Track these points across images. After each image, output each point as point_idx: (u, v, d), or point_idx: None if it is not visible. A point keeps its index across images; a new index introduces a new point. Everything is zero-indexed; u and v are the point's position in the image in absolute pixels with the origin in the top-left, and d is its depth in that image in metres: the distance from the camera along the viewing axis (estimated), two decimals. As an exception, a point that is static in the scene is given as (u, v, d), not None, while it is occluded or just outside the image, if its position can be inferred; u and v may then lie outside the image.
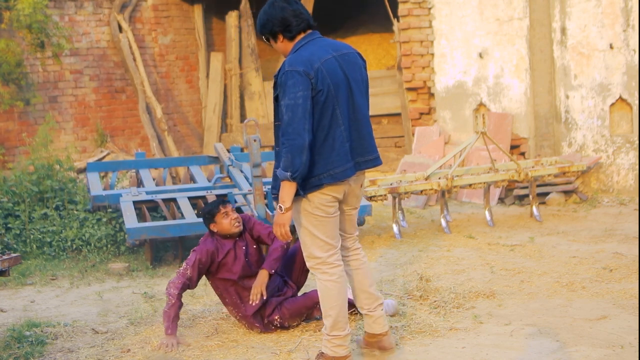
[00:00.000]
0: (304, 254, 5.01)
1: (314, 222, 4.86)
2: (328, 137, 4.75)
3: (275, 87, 4.80)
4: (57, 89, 13.06)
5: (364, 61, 5.05)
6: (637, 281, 6.65)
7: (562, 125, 11.22)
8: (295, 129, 4.59)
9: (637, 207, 10.08)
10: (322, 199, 4.81)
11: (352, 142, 4.86)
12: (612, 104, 10.98)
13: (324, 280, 4.95)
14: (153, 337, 5.90)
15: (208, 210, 5.94)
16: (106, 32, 13.61)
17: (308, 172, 4.70)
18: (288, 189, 4.69)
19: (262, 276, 5.88)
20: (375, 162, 5.06)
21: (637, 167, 10.85)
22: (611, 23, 10.89)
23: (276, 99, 4.80)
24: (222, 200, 6.23)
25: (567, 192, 10.65)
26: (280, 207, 4.73)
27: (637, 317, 5.72)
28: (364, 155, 4.96)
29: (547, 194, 10.61)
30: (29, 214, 9.01)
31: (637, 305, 6.00)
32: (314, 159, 4.72)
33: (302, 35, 4.85)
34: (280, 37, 4.85)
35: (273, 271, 5.91)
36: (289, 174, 4.61)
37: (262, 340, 5.82)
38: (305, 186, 4.76)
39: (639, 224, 8.81)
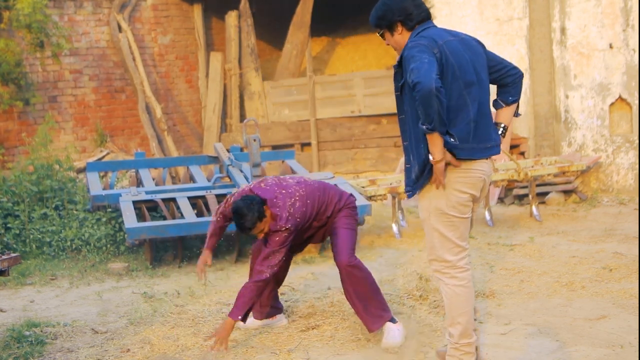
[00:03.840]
0: (430, 257, 4.75)
1: (446, 223, 4.63)
2: (455, 116, 4.50)
3: (396, 77, 4.61)
4: (57, 88, 13.06)
5: (483, 46, 4.78)
6: (637, 281, 6.64)
7: (561, 124, 11.22)
8: (419, 74, 4.28)
9: (637, 206, 10.08)
10: (459, 197, 4.59)
11: (476, 125, 4.56)
12: (612, 104, 10.98)
13: (452, 286, 4.68)
14: (153, 337, 5.89)
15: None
16: (106, 32, 13.61)
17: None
18: (433, 140, 4.38)
19: (227, 326, 5.51)
20: (495, 150, 4.69)
21: (637, 166, 10.85)
22: (611, 23, 10.89)
23: (399, 90, 4.60)
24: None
25: (566, 192, 10.65)
26: (431, 157, 4.44)
27: (637, 317, 5.72)
28: (485, 142, 4.63)
29: (546, 193, 10.61)
30: (28, 213, 9.01)
31: (637, 305, 6.00)
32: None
33: (418, 26, 4.66)
34: (399, 28, 4.66)
35: (239, 318, 5.49)
36: (424, 126, 4.33)
37: (262, 340, 5.82)
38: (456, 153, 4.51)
39: (639, 224, 8.80)
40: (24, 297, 7.46)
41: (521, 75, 4.81)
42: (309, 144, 14.01)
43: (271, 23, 15.72)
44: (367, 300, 5.60)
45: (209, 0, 14.77)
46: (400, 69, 4.58)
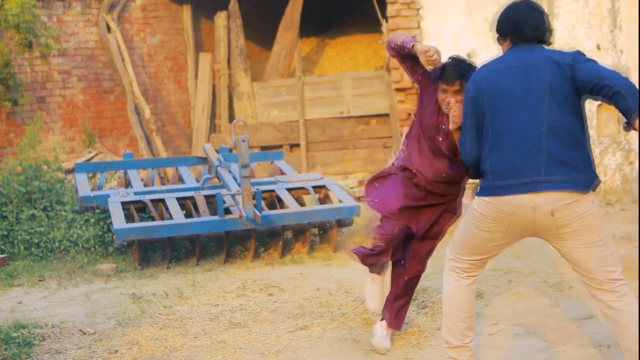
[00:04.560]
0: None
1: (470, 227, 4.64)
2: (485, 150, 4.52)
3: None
4: (45, 89, 13.03)
5: (569, 66, 4.33)
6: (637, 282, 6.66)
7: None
8: (460, 144, 4.63)
9: (624, 207, 10.11)
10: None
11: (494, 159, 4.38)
12: (599, 105, 11.00)
13: (445, 282, 4.75)
14: (141, 338, 5.89)
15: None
16: (94, 32, 13.58)
17: None
18: None
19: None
20: (526, 187, 4.25)
21: (624, 167, 10.89)
22: (598, 24, 10.92)
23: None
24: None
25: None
26: None
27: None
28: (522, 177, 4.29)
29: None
30: (16, 214, 8.98)
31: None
32: None
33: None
34: (507, 42, 4.49)
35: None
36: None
37: (250, 341, 5.82)
38: None
39: (639, 225, 8.80)
40: (11, 298, 7.44)
41: (617, 92, 4.25)
42: (298, 145, 14.01)
43: (260, 24, 15.71)
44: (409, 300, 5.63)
45: (198, 1, 14.76)
46: None
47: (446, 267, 4.70)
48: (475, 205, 4.42)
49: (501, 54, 4.52)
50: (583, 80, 4.25)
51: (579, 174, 4.18)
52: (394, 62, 12.14)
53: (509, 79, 4.32)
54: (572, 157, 4.19)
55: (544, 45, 4.48)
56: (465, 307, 4.62)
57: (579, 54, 4.34)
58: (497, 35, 4.56)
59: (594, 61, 4.31)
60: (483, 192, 4.37)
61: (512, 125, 4.26)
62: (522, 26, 4.41)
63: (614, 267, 4.27)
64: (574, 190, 4.16)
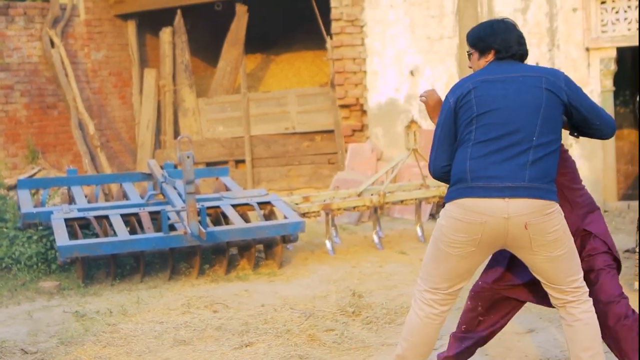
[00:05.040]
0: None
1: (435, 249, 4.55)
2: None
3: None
4: (-13, 104, 12.88)
5: (559, 90, 4.33)
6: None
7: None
8: (430, 160, 4.60)
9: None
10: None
11: (473, 161, 4.30)
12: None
13: (411, 308, 4.55)
14: (84, 357, 5.85)
15: None
16: (38, 47, 13.47)
17: None
18: None
19: None
20: (506, 192, 4.20)
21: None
22: (537, 42, 11.16)
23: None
24: None
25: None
26: None
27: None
28: (483, 180, 4.26)
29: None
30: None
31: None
32: None
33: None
34: (490, 56, 4.46)
35: None
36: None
37: (195, 358, 5.81)
38: None
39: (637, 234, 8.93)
40: (-48, 317, 7.33)
41: (602, 134, 4.46)
42: (243, 161, 14.03)
43: (205, 40, 15.72)
44: None
45: (143, 17, 14.72)
46: None
47: (414, 301, 4.50)
48: (440, 219, 4.35)
49: (453, 69, 4.61)
50: (579, 111, 4.35)
51: (552, 187, 4.21)
52: (339, 78, 12.27)
53: (503, 89, 4.29)
54: (549, 174, 4.22)
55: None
56: (432, 343, 4.52)
57: (567, 78, 4.39)
58: (473, 49, 4.55)
59: (581, 89, 4.42)
60: (449, 197, 4.31)
61: (504, 134, 4.21)
62: (510, 42, 4.43)
63: (577, 274, 4.32)
64: (551, 199, 4.19)
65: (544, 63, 11.10)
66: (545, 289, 4.40)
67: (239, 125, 14.07)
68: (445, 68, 11.58)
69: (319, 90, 13.78)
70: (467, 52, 4.62)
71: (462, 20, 11.43)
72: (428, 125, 11.62)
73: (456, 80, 11.44)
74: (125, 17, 14.61)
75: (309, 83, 14.96)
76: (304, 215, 9.03)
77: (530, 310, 6.46)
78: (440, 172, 4.46)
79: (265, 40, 16.13)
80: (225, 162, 13.86)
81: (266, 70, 15.99)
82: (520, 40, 4.47)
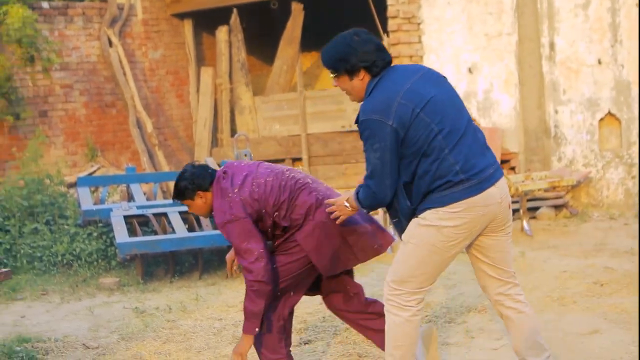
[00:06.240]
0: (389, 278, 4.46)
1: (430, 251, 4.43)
2: (436, 164, 4.30)
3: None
4: (47, 103, 13.04)
5: (443, 76, 4.47)
6: (628, 296, 6.67)
7: (551, 139, 11.27)
8: (376, 183, 4.31)
9: (627, 221, 10.12)
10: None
11: (459, 163, 4.26)
12: (601, 119, 11.04)
13: (393, 315, 4.42)
14: (144, 352, 5.88)
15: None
16: (96, 46, 13.61)
17: None
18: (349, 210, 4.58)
19: (245, 341, 4.81)
20: (493, 177, 4.34)
21: (627, 182, 10.90)
22: (599, 38, 10.96)
23: None
24: None
25: (557, 207, 10.69)
26: (347, 206, 4.54)
27: (629, 332, 5.73)
28: (476, 175, 4.30)
29: (537, 208, 10.65)
30: (19, 228, 8.99)
31: (628, 320, 6.01)
32: None
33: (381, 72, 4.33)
34: (362, 74, 4.30)
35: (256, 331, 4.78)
36: (362, 205, 4.43)
37: (253, 354, 5.80)
38: None
39: (639, 237, 8.80)
40: (14, 312, 7.43)
41: None
42: (300, 159, 14.02)
43: (261, 38, 15.75)
44: None
45: (199, 15, 14.80)
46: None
47: (393, 307, 4.39)
48: (438, 222, 4.22)
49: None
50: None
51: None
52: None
53: (423, 89, 4.23)
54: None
55: None
56: (416, 341, 4.47)
57: None
58: (337, 72, 4.34)
59: None
60: (453, 198, 4.19)
61: (453, 128, 4.21)
62: (383, 52, 4.32)
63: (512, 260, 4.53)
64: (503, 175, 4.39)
65: (607, 59, 10.91)
66: (496, 279, 4.44)
67: (296, 124, 14.07)
68: (503, 65, 11.44)
69: (375, 88, 13.70)
70: (332, 75, 4.39)
71: (522, 16, 11.27)
72: (487, 123, 11.49)
73: (515, 77, 11.30)
74: (181, 16, 14.70)
75: (366, 81, 14.87)
76: (361, 213, 8.97)
77: (593, 310, 6.35)
78: (390, 197, 4.27)
79: (321, 38, 16.08)
80: (282, 160, 13.86)
81: (322, 68, 15.96)
82: (380, 47, 4.32)
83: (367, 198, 4.30)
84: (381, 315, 4.72)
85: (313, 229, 4.68)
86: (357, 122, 4.30)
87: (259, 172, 4.78)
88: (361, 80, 4.30)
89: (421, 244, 4.28)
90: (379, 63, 4.27)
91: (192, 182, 4.74)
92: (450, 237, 4.25)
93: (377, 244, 4.91)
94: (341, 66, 4.30)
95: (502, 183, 4.31)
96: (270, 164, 4.97)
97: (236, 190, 4.65)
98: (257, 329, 4.73)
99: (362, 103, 4.30)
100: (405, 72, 4.33)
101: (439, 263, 4.36)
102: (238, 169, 4.81)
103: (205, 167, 4.84)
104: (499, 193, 4.27)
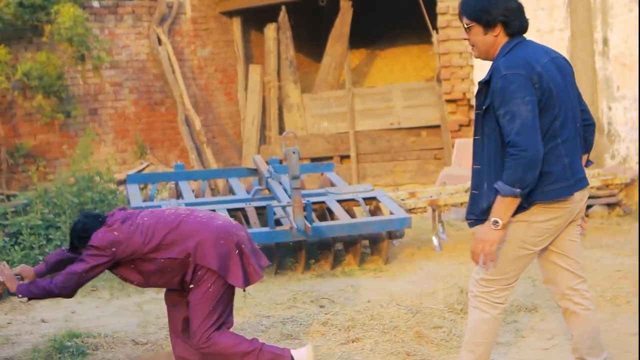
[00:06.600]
0: (476, 276, 4.35)
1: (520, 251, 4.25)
2: (547, 150, 4.08)
3: (480, 95, 4.21)
4: (97, 101, 13.17)
5: (572, 68, 4.39)
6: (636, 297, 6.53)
7: (604, 137, 11.09)
8: (527, 139, 3.94)
9: None
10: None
11: (568, 157, 4.15)
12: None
13: (481, 311, 4.33)
14: (193, 349, 5.88)
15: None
16: (145, 45, 13.71)
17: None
18: (510, 204, 4.03)
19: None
20: (584, 182, 4.28)
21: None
22: (664, 33, 10.76)
23: (482, 109, 4.18)
24: None
25: (610, 205, 10.51)
26: (497, 221, 4.05)
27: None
28: (575, 175, 4.20)
29: (590, 206, 10.48)
30: (69, 225, 9.06)
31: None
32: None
33: (514, 36, 4.21)
34: (498, 30, 4.16)
35: (19, 295, 4.80)
36: (517, 190, 3.97)
37: (302, 353, 5.78)
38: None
39: (639, 238, 8.63)
40: (65, 308, 7.49)
41: (594, 125, 4.48)
42: (348, 157, 13.98)
43: (310, 36, 15.74)
44: None
45: (248, 13, 14.83)
46: (486, 86, 4.15)
47: (483, 304, 4.33)
48: (527, 217, 4.15)
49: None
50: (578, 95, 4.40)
51: None
52: (445, 73, 12.09)
53: (554, 72, 4.15)
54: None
55: None
56: (495, 340, 4.48)
57: None
58: (474, 22, 4.18)
59: None
60: (555, 194, 4.11)
61: (567, 121, 4.16)
62: (522, 14, 4.22)
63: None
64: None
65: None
66: (568, 271, 4.37)
67: (344, 121, 14.03)
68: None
69: (424, 85, 13.64)
70: (465, 26, 4.25)
71: (574, 12, 11.10)
72: (537, 120, 11.32)
73: (567, 73, 11.12)
74: (230, 14, 14.75)
75: (415, 78, 14.82)
76: (410, 211, 8.91)
77: (648, 310, 6.22)
78: (542, 155, 4.02)
79: (369, 35, 16.04)
80: (330, 158, 13.85)
81: (371, 66, 15.92)
82: (522, 9, 4.22)
83: (519, 168, 3.96)
84: None
85: None
86: (485, 81, 4.14)
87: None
88: (495, 36, 4.18)
89: (511, 240, 4.19)
90: (516, 23, 4.16)
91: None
92: (539, 232, 4.17)
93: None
94: (482, 17, 4.16)
95: (584, 191, 4.32)
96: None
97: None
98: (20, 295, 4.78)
99: (499, 59, 4.13)
100: (541, 48, 4.26)
101: (527, 259, 4.28)
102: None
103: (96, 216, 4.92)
104: (586, 191, 4.32)
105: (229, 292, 4.84)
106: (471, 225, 4.33)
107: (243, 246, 4.81)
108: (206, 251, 4.68)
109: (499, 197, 4.04)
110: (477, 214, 4.23)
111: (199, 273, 4.70)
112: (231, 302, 4.91)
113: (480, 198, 4.21)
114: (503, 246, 4.20)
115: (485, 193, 4.18)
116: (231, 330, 4.94)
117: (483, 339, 4.35)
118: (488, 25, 4.16)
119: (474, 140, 4.29)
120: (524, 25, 4.22)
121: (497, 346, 5.66)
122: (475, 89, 11.75)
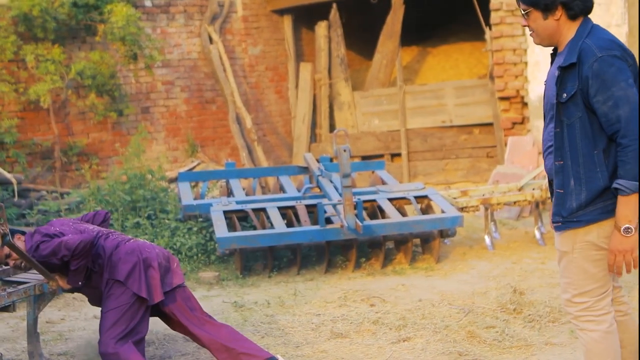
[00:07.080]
0: (565, 296, 4.02)
1: (594, 257, 3.92)
2: None
3: (561, 81, 3.93)
4: (149, 99, 13.26)
5: None
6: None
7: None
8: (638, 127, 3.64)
9: None
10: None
11: None
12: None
13: (589, 331, 3.98)
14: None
15: None
16: (197, 43, 13.76)
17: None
18: (636, 203, 3.70)
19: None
20: None
21: None
22: None
23: (565, 97, 3.91)
24: None
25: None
26: (629, 229, 3.72)
27: None
28: None
29: None
30: (122, 222, 9.13)
31: None
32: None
33: (580, 19, 3.94)
34: (559, 13, 3.90)
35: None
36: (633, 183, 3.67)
37: (352, 351, 5.75)
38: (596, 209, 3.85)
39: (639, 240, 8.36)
40: (116, 305, 7.53)
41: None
42: (399, 155, 13.90)
43: (361, 33, 15.68)
44: None
45: (299, 11, 14.82)
46: (566, 71, 3.89)
47: (586, 322, 3.98)
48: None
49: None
50: None
51: None
52: (498, 70, 11.95)
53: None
54: None
55: None
56: (619, 353, 4.02)
57: None
58: (532, 8, 3.95)
59: None
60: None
61: None
62: None
63: None
64: None
65: None
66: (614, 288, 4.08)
67: (395, 119, 13.95)
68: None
69: (477, 82, 13.49)
70: (523, 11, 4.00)
71: (632, 7, 10.89)
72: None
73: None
74: (281, 12, 14.75)
75: (467, 75, 14.68)
76: (462, 209, 8.83)
77: None
78: None
79: (421, 32, 15.93)
80: (381, 156, 13.77)
81: (422, 63, 15.81)
82: None
83: (638, 159, 3.68)
84: None
85: None
86: (567, 64, 3.87)
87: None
88: (556, 20, 3.92)
89: (586, 248, 3.89)
90: (578, 3, 3.89)
91: None
92: (609, 231, 3.84)
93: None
94: (539, 1, 3.92)
95: None
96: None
97: None
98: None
99: (581, 41, 3.87)
100: (611, 35, 3.95)
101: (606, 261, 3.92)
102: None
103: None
104: None
105: (139, 305, 5.14)
106: (558, 229, 3.98)
107: (152, 264, 5.23)
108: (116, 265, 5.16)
109: (621, 199, 3.72)
110: (565, 215, 3.91)
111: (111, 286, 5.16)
112: (144, 315, 5.21)
113: (568, 197, 3.90)
114: (578, 255, 3.91)
115: (573, 191, 3.88)
116: (226, 331, 5.30)
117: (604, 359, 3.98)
118: (547, 9, 3.91)
119: (555, 133, 3.99)
120: (587, 6, 3.93)
121: (551, 347, 5.57)
122: (529, 85, 11.62)
